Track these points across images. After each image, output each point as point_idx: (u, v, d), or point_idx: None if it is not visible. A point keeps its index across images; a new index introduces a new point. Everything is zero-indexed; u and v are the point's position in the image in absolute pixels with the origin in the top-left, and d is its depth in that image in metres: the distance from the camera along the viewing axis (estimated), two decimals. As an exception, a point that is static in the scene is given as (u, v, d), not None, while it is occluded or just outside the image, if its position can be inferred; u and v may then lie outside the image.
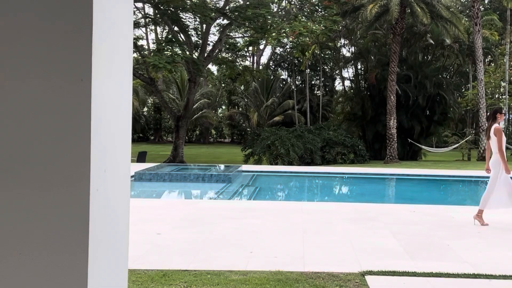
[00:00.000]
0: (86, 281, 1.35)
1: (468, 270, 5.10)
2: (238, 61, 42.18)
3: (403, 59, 32.02)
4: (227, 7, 25.36)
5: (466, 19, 33.64)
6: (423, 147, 29.33)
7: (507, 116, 31.42)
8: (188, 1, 23.27)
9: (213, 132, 54.66)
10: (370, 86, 32.41)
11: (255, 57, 50.02)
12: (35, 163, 1.35)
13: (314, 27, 23.38)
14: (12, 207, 1.35)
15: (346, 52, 39.61)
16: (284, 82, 47.19)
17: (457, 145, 28.51)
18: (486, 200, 7.78)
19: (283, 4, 30.28)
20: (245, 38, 30.89)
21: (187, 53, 24.30)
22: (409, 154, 31.22)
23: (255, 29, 24.46)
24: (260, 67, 47.78)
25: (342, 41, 37.06)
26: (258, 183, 15.68)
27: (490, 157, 7.92)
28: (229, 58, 37.46)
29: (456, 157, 31.13)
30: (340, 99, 40.99)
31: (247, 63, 48.36)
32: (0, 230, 1.36)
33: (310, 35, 24.48)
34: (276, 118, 40.80)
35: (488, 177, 8.01)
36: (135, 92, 44.89)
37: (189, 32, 26.24)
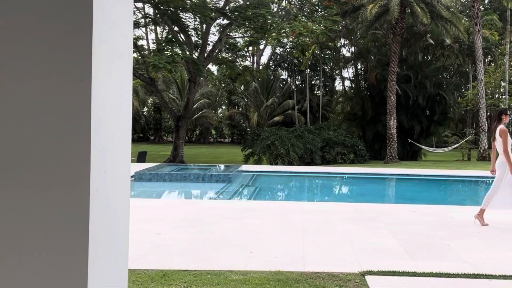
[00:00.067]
0: (86, 281, 1.35)
1: (468, 270, 5.10)
2: (238, 61, 42.17)
3: (403, 59, 32.01)
4: (227, 7, 25.36)
5: (466, 19, 33.64)
6: (423, 147, 29.32)
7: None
8: (188, 1, 23.27)
9: (213, 132, 54.66)
10: (370, 86, 32.41)
11: (255, 57, 50.03)
12: (35, 163, 1.35)
13: (314, 27, 23.37)
14: (12, 207, 1.35)
15: (346, 52, 39.68)
16: (284, 82, 47.17)
17: (457, 145, 28.50)
18: (489, 200, 7.78)
19: (283, 4, 30.28)
20: (245, 38, 30.89)
21: (187, 53, 24.30)
22: (409, 154, 31.21)
23: (255, 29, 24.46)
24: (260, 67, 47.77)
25: (342, 41, 37.07)
26: (258, 183, 15.67)
27: (496, 158, 7.92)
28: (229, 58, 37.44)
29: (456, 157, 31.13)
30: (340, 99, 40.99)
31: (247, 63, 48.38)
32: (0, 230, 1.36)
33: (310, 35, 24.48)
34: (276, 118, 40.79)
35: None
36: (135, 92, 44.89)
37: (189, 32, 26.24)
